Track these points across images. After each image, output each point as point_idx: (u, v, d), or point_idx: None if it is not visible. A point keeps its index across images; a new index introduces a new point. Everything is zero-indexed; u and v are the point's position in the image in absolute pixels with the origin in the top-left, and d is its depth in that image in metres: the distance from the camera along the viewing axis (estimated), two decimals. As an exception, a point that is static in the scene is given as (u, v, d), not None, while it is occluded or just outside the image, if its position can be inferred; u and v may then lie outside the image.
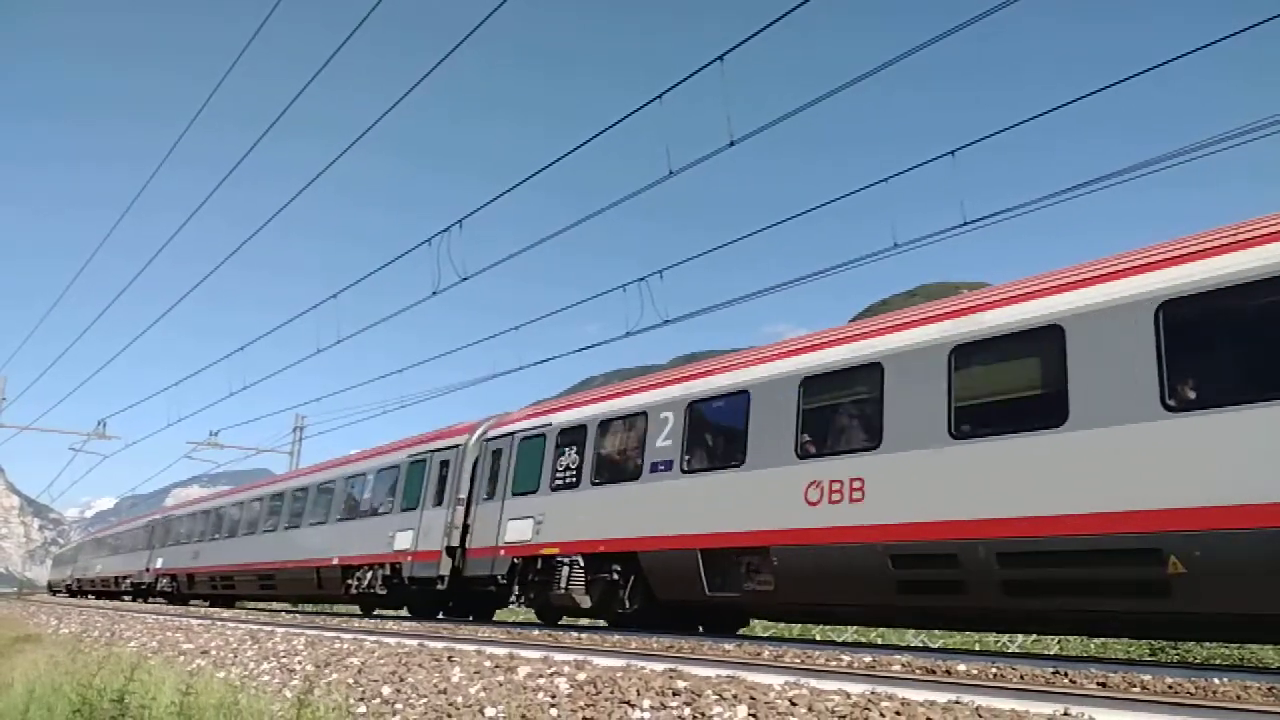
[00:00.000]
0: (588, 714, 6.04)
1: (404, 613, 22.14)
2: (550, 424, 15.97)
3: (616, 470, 14.34)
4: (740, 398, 12.57)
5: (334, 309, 22.12)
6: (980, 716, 5.03)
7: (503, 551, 15.81)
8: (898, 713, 5.17)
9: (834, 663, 8.18)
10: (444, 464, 18.56)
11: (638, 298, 16.60)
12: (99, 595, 47.54)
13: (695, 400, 13.31)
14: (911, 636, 24.11)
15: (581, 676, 6.99)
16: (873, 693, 5.67)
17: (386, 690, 7.76)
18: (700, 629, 14.77)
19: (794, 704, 5.52)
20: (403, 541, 18.82)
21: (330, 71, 15.21)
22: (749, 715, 5.46)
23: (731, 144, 12.65)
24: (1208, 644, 17.61)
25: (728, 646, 10.41)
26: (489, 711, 6.53)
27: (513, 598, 15.84)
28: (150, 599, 37.42)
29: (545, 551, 14.88)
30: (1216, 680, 6.60)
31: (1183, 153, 10.57)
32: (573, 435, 15.37)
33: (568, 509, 14.75)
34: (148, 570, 36.68)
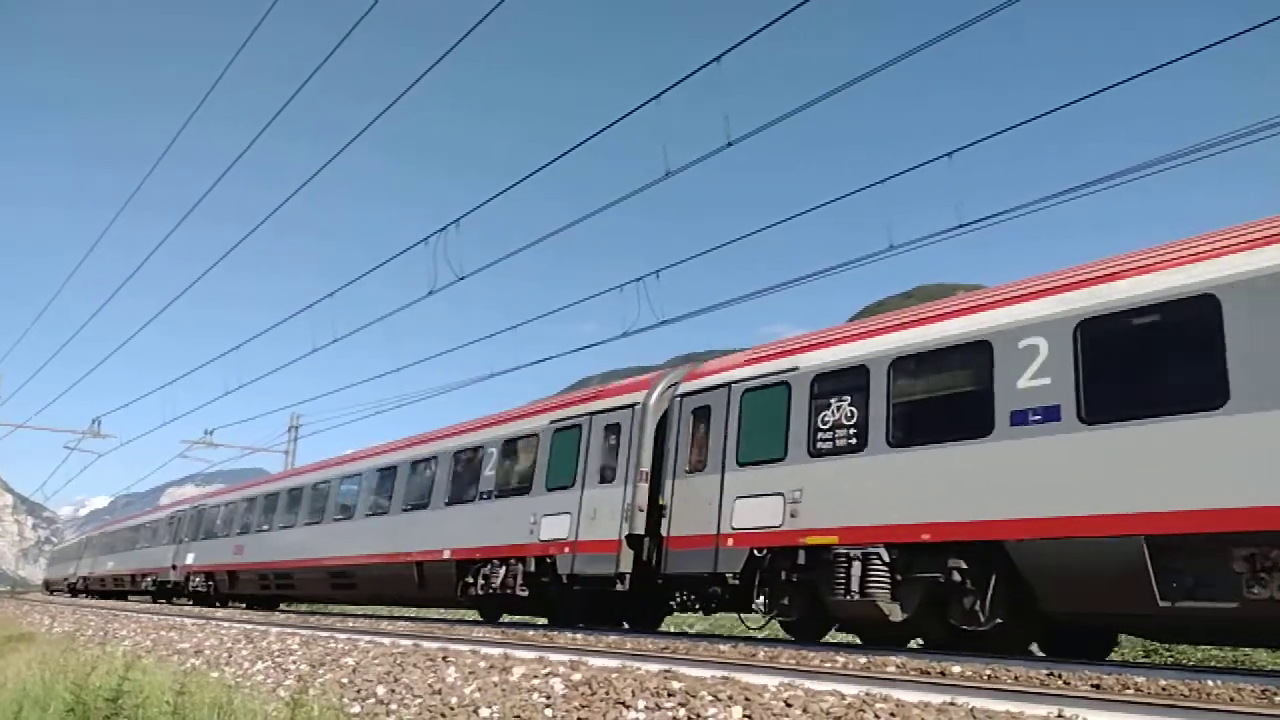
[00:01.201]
0: (582, 715, 6.04)
1: (540, 620, 17.87)
2: (796, 368, 12.19)
3: (938, 425, 10.53)
4: (1203, 304, 8.58)
5: (330, 308, 22.11)
6: (975, 718, 5.04)
7: (730, 541, 12.17)
8: (892, 714, 5.17)
9: (829, 664, 8.19)
10: (611, 430, 14.78)
11: (634, 298, 16.57)
12: (109, 596, 43.36)
13: (1098, 316, 9.28)
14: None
15: (576, 677, 6.99)
16: (867, 694, 5.67)
17: (381, 690, 7.76)
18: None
19: (789, 705, 5.52)
20: (554, 529, 15.08)
21: (327, 70, 15.19)
22: (744, 716, 5.47)
23: (729, 145, 12.68)
24: (1201, 646, 17.61)
25: (722, 647, 10.43)
26: (484, 712, 6.52)
27: (757, 603, 11.92)
28: (176, 600, 33.60)
29: (811, 540, 11.20)
30: (1210, 682, 6.62)
31: (1180, 155, 10.60)
32: (843, 381, 11.50)
33: (847, 482, 11.04)
34: (174, 567, 32.44)
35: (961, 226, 12.39)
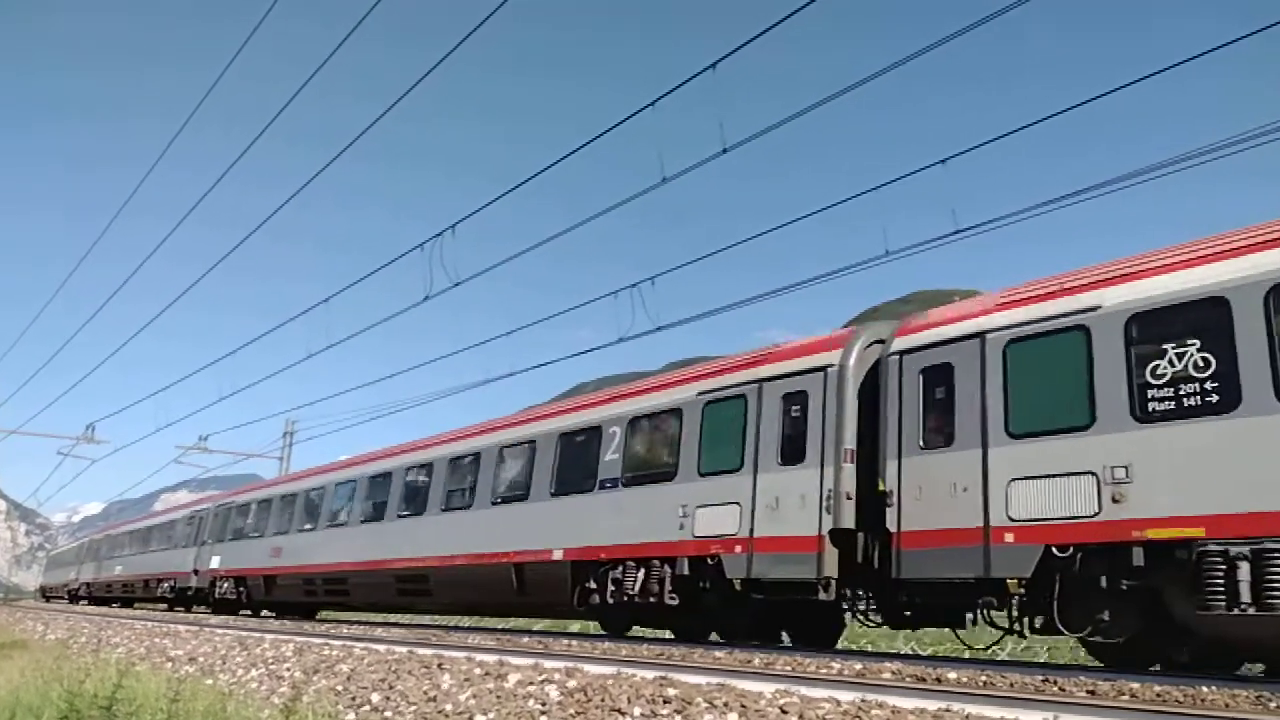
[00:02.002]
0: (578, 722, 6.03)
1: (714, 638, 14.23)
2: (1099, 307, 9.44)
3: None
4: None
5: (325, 313, 22.05)
6: (970, 724, 5.04)
7: (1009, 536, 9.51)
8: (888, 720, 5.18)
9: (824, 670, 8.19)
10: (793, 400, 12.07)
11: (630, 303, 16.58)
12: (108, 603, 40.92)
13: None
14: (902, 643, 24.14)
15: (572, 684, 6.98)
16: (863, 700, 5.67)
17: (375, 698, 7.74)
18: None
19: (785, 712, 5.52)
20: (715, 523, 12.39)
21: (323, 76, 15.20)
22: (739, 723, 5.46)
23: (724, 151, 12.69)
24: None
25: (718, 654, 10.41)
26: (479, 719, 6.51)
27: (1063, 616, 9.14)
28: (195, 608, 30.53)
29: (1156, 534, 8.51)
30: (1205, 688, 6.63)
31: (1181, 159, 10.64)
32: (1186, 319, 8.79)
33: (1209, 454, 8.32)
34: (195, 572, 29.11)
35: (958, 232, 12.40)
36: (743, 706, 5.69)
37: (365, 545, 20.46)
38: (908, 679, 7.40)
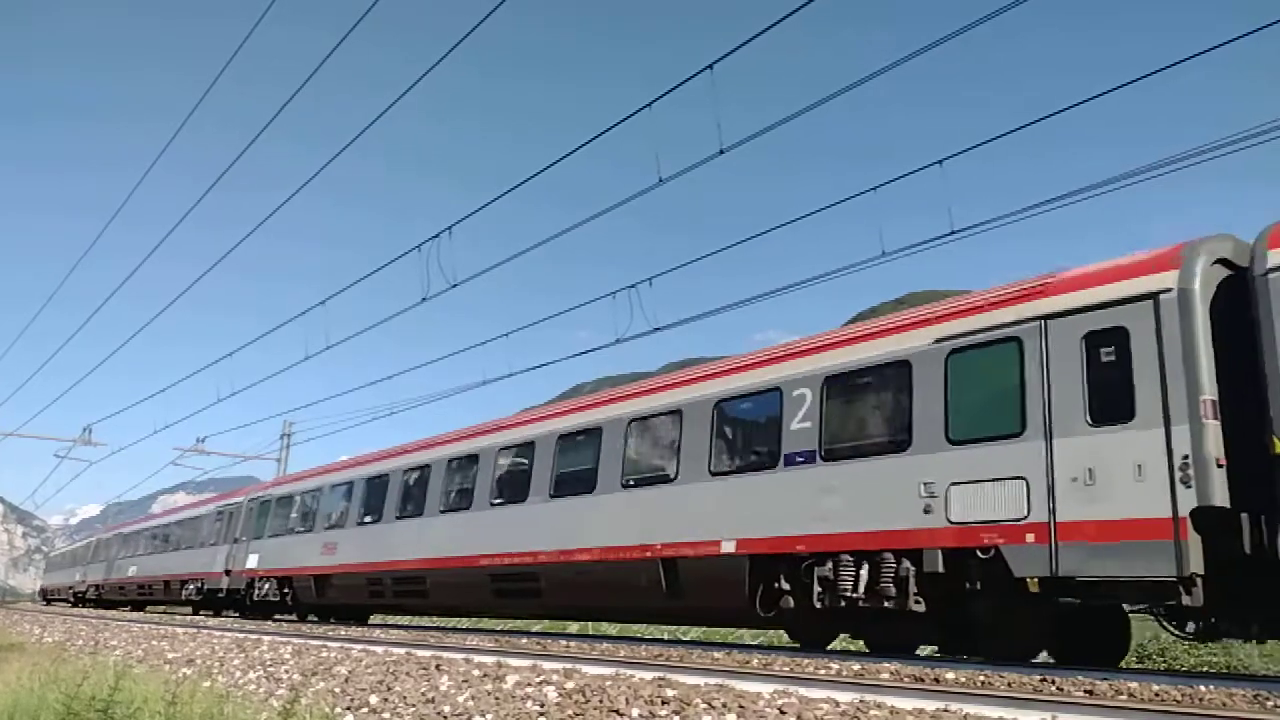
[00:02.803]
0: (576, 723, 6.03)
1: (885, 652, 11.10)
2: None
3: None
4: None
5: (323, 315, 22.02)
6: (968, 724, 5.04)
7: None
8: (886, 721, 5.18)
9: (823, 670, 8.19)
10: (1105, 339, 9.33)
11: (627, 305, 16.56)
12: (121, 606, 38.56)
13: None
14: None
15: (570, 685, 6.98)
16: (861, 701, 5.68)
17: (374, 699, 7.73)
18: None
19: (783, 712, 5.53)
20: (986, 504, 9.69)
21: (321, 76, 15.20)
22: (738, 724, 5.46)
23: (721, 152, 12.68)
24: (1195, 651, 17.63)
25: (716, 655, 10.41)
26: (477, 720, 6.51)
27: None
28: (225, 612, 28.01)
29: None
30: (1203, 688, 6.64)
31: (1174, 160, 10.64)
32: None
33: None
34: (227, 572, 26.29)
35: (954, 233, 12.42)
36: (741, 707, 5.69)
37: (449, 538, 17.52)
38: (906, 679, 7.41)
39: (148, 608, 36.69)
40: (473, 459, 17.82)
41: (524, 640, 13.86)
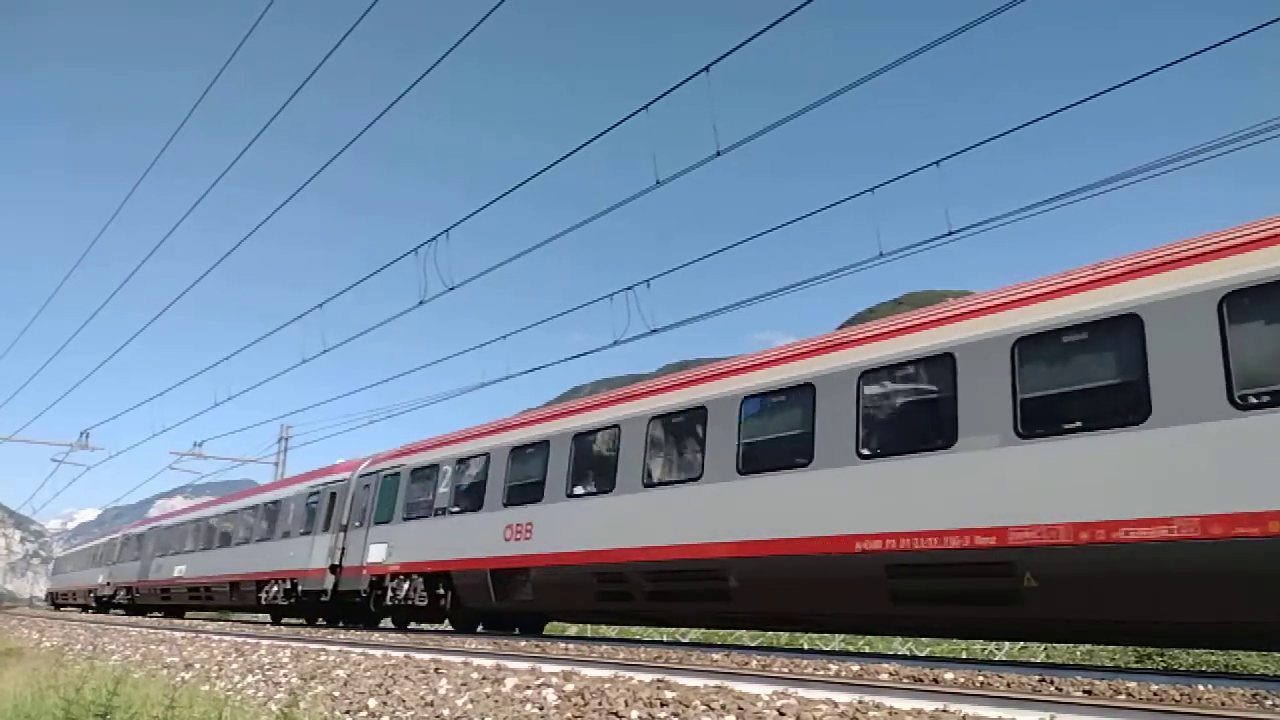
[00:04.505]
0: (576, 725, 6.02)
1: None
2: None
3: None
4: None
5: (319, 318, 22.03)
6: (967, 725, 5.04)
7: None
8: (885, 722, 5.18)
9: (821, 671, 8.19)
10: None
11: (625, 307, 16.57)
12: (152, 611, 34.58)
13: None
14: (899, 644, 24.13)
15: (569, 687, 6.98)
16: (860, 701, 5.68)
17: (373, 703, 7.72)
18: None
19: (782, 714, 5.53)
20: None
21: (317, 79, 15.22)
22: (737, 725, 5.46)
23: (718, 154, 12.71)
24: (1193, 650, 17.60)
25: (715, 656, 10.41)
26: (476, 723, 6.50)
27: None
28: (335, 624, 22.47)
29: None
30: (1201, 687, 6.65)
31: (1173, 159, 10.65)
32: None
33: None
34: (336, 569, 20.30)
35: (951, 234, 12.43)
36: (740, 708, 5.69)
37: (780, 512, 11.31)
38: (905, 680, 7.41)
39: (186, 614, 33.35)
40: (805, 391, 11.47)
41: (523, 643, 13.85)
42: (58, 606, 52.82)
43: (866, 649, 23.05)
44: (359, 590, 19.28)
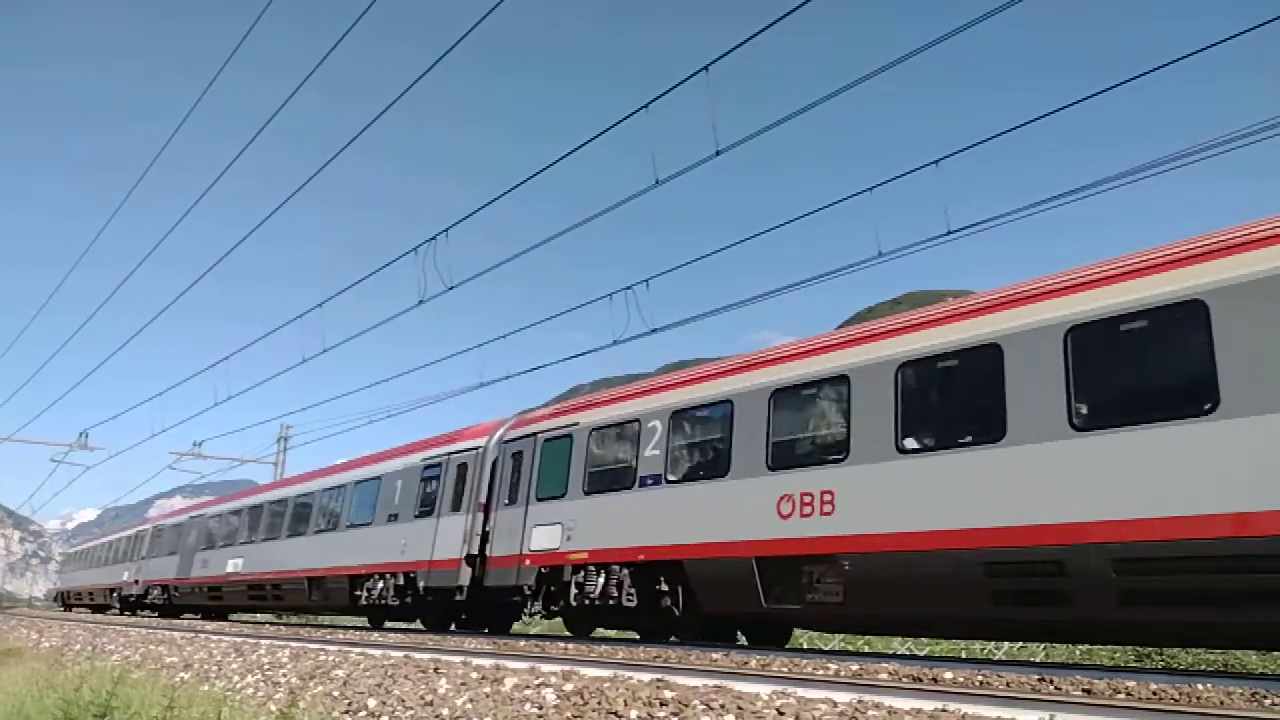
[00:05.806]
0: (575, 725, 6.02)
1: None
2: None
3: None
4: None
5: (319, 318, 22.00)
6: (966, 724, 5.04)
7: None
8: (885, 721, 5.18)
9: (821, 671, 8.19)
10: None
11: (624, 306, 16.54)
12: (197, 613, 31.19)
13: None
14: (898, 644, 24.15)
15: (569, 687, 6.97)
16: (859, 701, 5.68)
17: (372, 703, 7.72)
18: None
19: (781, 713, 5.52)
20: None
21: (317, 79, 15.21)
22: (736, 725, 5.46)
23: (717, 153, 12.70)
24: (1191, 649, 17.57)
25: (715, 655, 10.40)
26: (476, 723, 6.50)
27: None
28: (479, 631, 18.40)
29: None
30: (1200, 686, 6.64)
31: (1172, 158, 10.65)
32: None
33: None
34: (471, 558, 16.43)
35: (950, 233, 12.41)
36: (739, 708, 5.69)
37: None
38: (904, 679, 7.40)
39: (231, 614, 29.87)
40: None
41: (523, 643, 13.85)
42: (68, 607, 49.21)
43: (866, 649, 23.05)
44: (518, 585, 15.12)
